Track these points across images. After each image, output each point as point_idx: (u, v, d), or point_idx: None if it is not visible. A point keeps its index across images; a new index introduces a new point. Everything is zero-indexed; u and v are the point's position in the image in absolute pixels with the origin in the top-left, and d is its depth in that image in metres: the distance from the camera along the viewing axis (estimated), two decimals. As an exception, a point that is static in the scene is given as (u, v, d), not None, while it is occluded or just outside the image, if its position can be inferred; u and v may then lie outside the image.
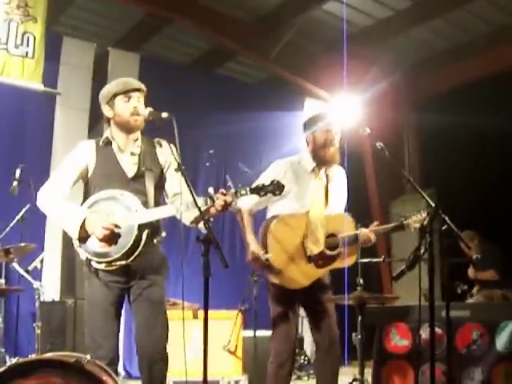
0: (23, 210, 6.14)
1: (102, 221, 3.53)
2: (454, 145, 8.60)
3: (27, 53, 7.23)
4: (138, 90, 3.81)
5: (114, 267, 3.59)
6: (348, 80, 8.91)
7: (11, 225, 6.11)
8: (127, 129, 3.78)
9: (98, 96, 3.90)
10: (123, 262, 3.57)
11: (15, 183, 6.00)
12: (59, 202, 3.66)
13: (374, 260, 5.76)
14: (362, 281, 4.49)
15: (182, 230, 3.59)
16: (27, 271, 5.93)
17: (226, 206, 3.56)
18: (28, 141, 7.70)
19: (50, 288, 7.15)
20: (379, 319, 5.01)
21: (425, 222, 3.63)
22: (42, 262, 6.26)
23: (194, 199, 3.46)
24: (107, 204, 3.62)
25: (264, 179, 4.30)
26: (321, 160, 4.43)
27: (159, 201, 3.82)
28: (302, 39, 9.14)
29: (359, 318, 4.51)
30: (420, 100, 10.08)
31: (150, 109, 3.73)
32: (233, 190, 3.56)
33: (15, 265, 5.74)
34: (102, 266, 3.60)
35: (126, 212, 3.59)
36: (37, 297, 5.82)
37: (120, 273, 3.64)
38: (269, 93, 10.02)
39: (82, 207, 3.64)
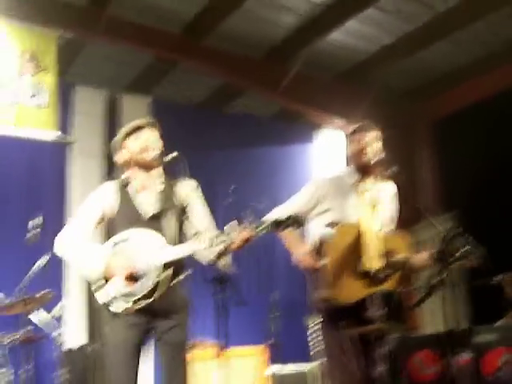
0: (44, 260, 6.14)
1: (125, 262, 3.54)
2: (473, 163, 8.49)
3: (41, 103, 7.34)
4: (147, 126, 3.85)
5: (138, 306, 3.56)
6: (359, 107, 8.95)
7: (30, 274, 6.12)
8: (144, 166, 3.80)
9: (111, 142, 3.95)
10: (149, 300, 3.54)
11: (36, 231, 6.01)
12: (81, 244, 3.67)
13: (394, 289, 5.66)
14: (382, 311, 4.36)
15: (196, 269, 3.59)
16: (46, 320, 5.93)
17: (247, 241, 3.55)
18: (43, 190, 7.79)
19: (75, 335, 7.16)
20: (404, 349, 4.93)
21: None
22: (62, 310, 6.27)
23: (217, 234, 3.47)
24: (127, 245, 3.63)
25: (301, 198, 4.34)
26: (360, 169, 4.34)
27: (181, 239, 3.82)
28: (309, 70, 9.16)
29: (382, 350, 4.39)
30: (433, 121, 10.02)
31: (158, 151, 3.78)
32: (254, 224, 3.55)
33: (32, 316, 5.74)
34: (124, 308, 3.56)
35: (148, 251, 3.58)
36: (55, 346, 5.81)
37: (142, 313, 3.61)
38: (281, 126, 10.04)
39: (104, 248, 3.64)
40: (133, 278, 3.54)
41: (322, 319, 4.25)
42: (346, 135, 4.57)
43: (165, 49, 8.25)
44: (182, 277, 3.69)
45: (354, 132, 4.42)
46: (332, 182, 4.41)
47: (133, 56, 8.63)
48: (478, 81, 9.08)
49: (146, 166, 3.80)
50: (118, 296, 3.57)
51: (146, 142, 3.80)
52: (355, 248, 4.13)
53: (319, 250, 4.15)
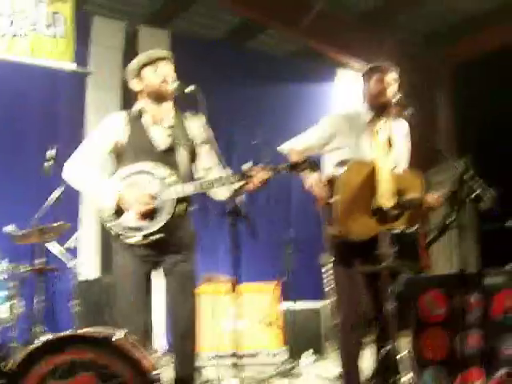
0: (59, 191, 6.17)
1: (139, 195, 3.51)
2: (491, 109, 8.39)
3: (58, 33, 7.25)
4: (165, 58, 3.79)
5: (148, 241, 3.57)
6: (381, 49, 8.79)
7: (46, 205, 6.15)
8: (159, 98, 3.76)
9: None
10: (159, 236, 3.55)
11: (49, 163, 6.02)
12: (90, 174, 3.66)
13: (408, 230, 5.65)
14: (395, 249, 4.35)
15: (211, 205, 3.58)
16: (63, 250, 5.99)
17: (264, 182, 3.53)
18: (60, 121, 7.73)
19: (88, 266, 7.24)
20: (414, 288, 4.94)
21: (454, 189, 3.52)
22: (77, 241, 6.33)
23: (228, 175, 3.45)
24: (141, 177, 3.60)
25: (314, 132, 4.35)
26: (376, 109, 4.34)
27: (191, 174, 3.81)
28: (332, 8, 8.98)
29: (392, 288, 4.40)
30: (454, 66, 9.86)
31: (177, 82, 3.72)
32: (271, 166, 3.52)
33: (49, 245, 5.79)
34: (134, 241, 3.57)
35: (161, 185, 3.57)
36: (73, 275, 5.87)
37: (152, 246, 3.62)
38: (300, 65, 9.90)
39: (115, 180, 3.61)
40: (147, 213, 3.53)
41: (334, 256, 4.27)
42: (363, 73, 4.50)
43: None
44: (191, 208, 3.70)
45: (373, 71, 4.38)
46: (346, 118, 4.41)
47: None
48: (502, 27, 8.88)
49: (160, 98, 3.76)
50: (130, 228, 3.57)
51: (164, 74, 3.74)
52: (368, 185, 4.14)
53: (331, 186, 4.15)
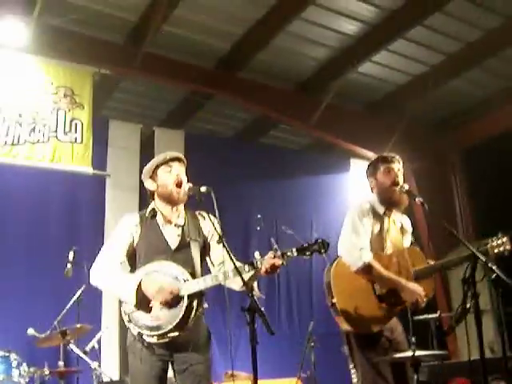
0: (79, 292, 6.24)
1: (160, 286, 3.58)
2: (506, 191, 8.44)
3: (76, 138, 7.50)
4: (179, 159, 3.91)
5: (166, 339, 3.60)
6: (390, 138, 8.96)
7: (67, 307, 6.21)
8: (171, 200, 3.85)
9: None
10: (176, 334, 3.59)
11: (69, 266, 6.12)
12: (113, 274, 3.73)
13: (429, 316, 5.64)
14: (414, 339, 4.31)
15: (227, 299, 3.61)
16: (85, 352, 6.01)
17: (275, 268, 3.59)
18: (80, 223, 7.94)
19: (109, 368, 7.20)
20: (440, 376, 4.88)
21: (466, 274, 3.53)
22: (99, 342, 6.35)
23: (235, 266, 3.50)
24: (157, 276, 3.66)
25: (355, 222, 4.31)
26: (389, 202, 4.36)
27: (204, 270, 3.88)
28: (341, 102, 9.24)
29: (415, 377, 4.34)
30: (464, 150, 10.01)
31: (189, 184, 3.81)
32: (279, 252, 3.58)
33: (72, 346, 5.81)
34: (154, 340, 3.61)
35: (174, 283, 3.63)
36: (95, 377, 5.86)
37: (167, 345, 3.65)
38: (314, 157, 10.11)
39: (135, 275, 3.69)
40: (170, 303, 3.59)
41: (353, 347, 4.24)
42: (369, 165, 4.56)
43: (199, 83, 8.39)
44: (200, 311, 3.73)
45: (380, 162, 4.43)
46: (371, 207, 4.40)
47: (167, 91, 8.82)
48: (508, 108, 9.07)
49: (172, 201, 3.85)
50: (148, 327, 3.61)
51: (177, 173, 3.85)
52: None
53: (328, 286, 4.21)
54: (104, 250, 3.89)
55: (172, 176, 3.84)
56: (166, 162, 3.89)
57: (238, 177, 8.88)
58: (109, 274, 3.75)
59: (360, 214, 4.35)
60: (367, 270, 4.16)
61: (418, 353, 3.86)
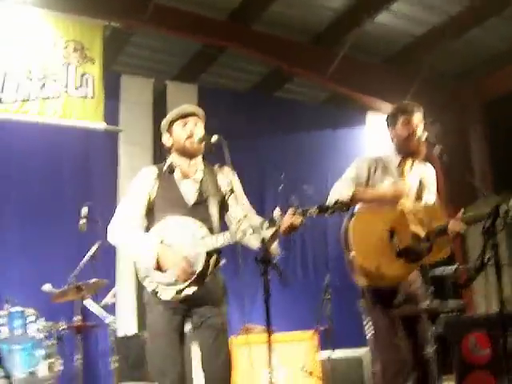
0: (95, 247, 6.22)
1: (178, 260, 3.56)
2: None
3: (87, 93, 7.41)
4: (194, 114, 3.85)
5: (181, 296, 3.60)
6: (408, 90, 8.79)
7: (83, 262, 6.20)
8: (186, 154, 3.82)
9: (159, 130, 3.97)
10: (192, 291, 3.58)
11: (83, 221, 6.09)
12: (130, 235, 3.71)
13: (447, 270, 5.56)
14: (431, 290, 4.24)
15: (240, 252, 3.58)
16: (100, 307, 6.00)
17: (294, 227, 3.52)
18: (94, 179, 7.89)
19: (125, 322, 7.23)
20: (456, 329, 4.83)
21: (487, 224, 3.43)
22: (114, 297, 6.35)
23: (254, 224, 3.44)
24: (174, 233, 3.64)
25: (348, 175, 4.27)
26: (406, 153, 4.28)
27: (222, 226, 3.82)
28: (357, 54, 9.06)
29: (433, 329, 4.27)
30: (484, 103, 9.83)
31: (201, 133, 3.78)
32: (300, 210, 3.49)
33: (87, 301, 5.81)
34: (170, 297, 3.61)
35: (192, 239, 3.61)
36: (111, 332, 5.86)
37: (184, 301, 3.64)
38: (330, 111, 9.97)
39: (152, 238, 3.66)
40: (186, 278, 3.57)
41: (370, 302, 4.18)
42: (389, 115, 4.46)
43: (212, 36, 8.25)
44: (221, 263, 3.70)
45: (398, 112, 4.32)
46: (376, 161, 4.33)
47: (179, 44, 8.66)
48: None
49: (188, 154, 3.82)
50: (164, 284, 3.61)
51: (191, 129, 3.80)
52: (382, 230, 4.07)
53: (346, 241, 4.11)
54: (121, 207, 3.86)
55: (186, 130, 3.81)
56: (180, 117, 3.85)
57: (253, 131, 8.79)
58: (126, 232, 3.72)
59: (356, 165, 4.34)
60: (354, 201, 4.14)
61: (436, 302, 3.82)
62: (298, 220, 3.49)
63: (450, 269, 5.61)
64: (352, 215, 4.18)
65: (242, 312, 6.64)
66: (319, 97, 10.43)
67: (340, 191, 4.17)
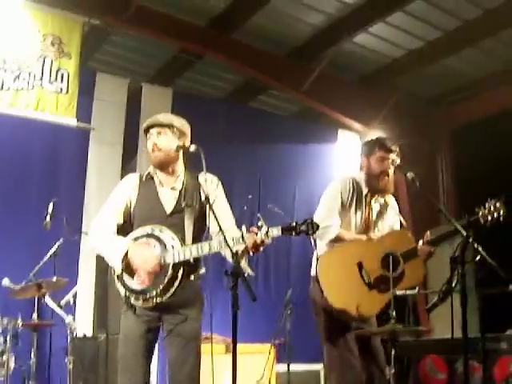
0: (56, 245, 6.17)
1: (146, 256, 3.56)
2: (490, 172, 8.44)
3: (61, 89, 7.34)
4: (155, 125, 3.85)
5: (150, 304, 3.61)
6: (380, 111, 8.90)
7: (44, 259, 6.13)
8: (156, 165, 3.83)
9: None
10: (159, 300, 3.58)
11: (48, 218, 6.02)
12: (104, 237, 3.73)
13: (408, 292, 5.61)
14: (394, 313, 4.25)
15: (210, 264, 3.58)
16: (59, 306, 5.95)
17: (258, 246, 3.51)
18: (61, 175, 7.77)
19: (83, 323, 7.14)
20: (414, 352, 4.89)
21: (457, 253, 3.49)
22: (74, 296, 6.29)
23: (225, 239, 3.43)
24: (148, 240, 3.64)
25: (335, 204, 4.26)
26: (374, 189, 4.33)
27: (199, 237, 3.80)
28: (333, 71, 9.14)
29: (393, 352, 4.30)
30: (454, 128, 9.98)
31: (177, 142, 3.77)
32: (264, 230, 3.48)
33: (47, 299, 5.75)
34: (140, 303, 3.63)
35: (162, 249, 3.60)
36: (69, 332, 5.80)
37: (155, 308, 3.64)
38: (302, 125, 9.99)
39: (126, 242, 3.67)
40: (153, 274, 3.56)
41: (326, 321, 4.20)
42: (366, 143, 4.50)
43: (190, 41, 8.25)
44: (192, 277, 3.69)
45: (376, 146, 4.35)
46: (355, 184, 4.34)
47: (157, 47, 8.64)
48: (503, 90, 9.02)
49: (155, 166, 3.84)
50: (134, 291, 3.62)
51: (153, 142, 3.81)
52: (353, 264, 4.09)
53: (319, 284, 4.11)
54: (100, 213, 3.87)
55: (150, 143, 3.82)
56: (146, 130, 3.87)
57: (224, 139, 8.77)
58: (101, 238, 3.74)
59: (340, 188, 4.32)
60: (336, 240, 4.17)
61: (395, 325, 3.85)
62: (259, 240, 3.49)
63: (411, 292, 5.67)
64: (317, 260, 4.19)
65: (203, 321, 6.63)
66: (292, 110, 10.48)
67: (330, 229, 4.18)
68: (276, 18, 8.09)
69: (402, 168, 4.23)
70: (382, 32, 8.37)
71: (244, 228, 3.53)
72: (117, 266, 3.61)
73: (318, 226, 3.49)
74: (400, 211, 4.54)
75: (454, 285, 3.61)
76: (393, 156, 4.30)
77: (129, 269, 3.60)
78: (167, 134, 3.81)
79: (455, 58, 8.82)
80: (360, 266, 4.09)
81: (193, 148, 3.66)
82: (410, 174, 4.08)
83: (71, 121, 7.41)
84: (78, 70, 7.47)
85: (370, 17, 7.97)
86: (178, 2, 7.72)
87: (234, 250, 3.42)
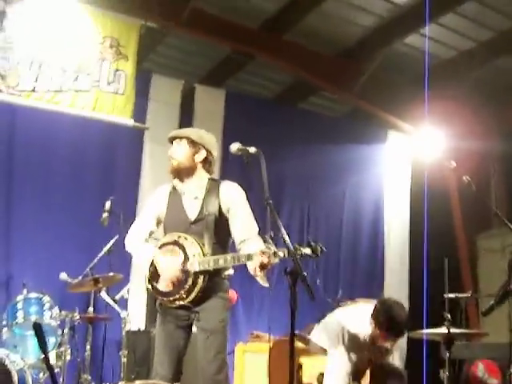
0: (111, 242, 6.33)
1: (170, 264, 3.86)
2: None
3: (118, 90, 7.53)
4: (175, 138, 4.16)
5: (175, 305, 3.90)
6: (432, 113, 8.85)
7: (100, 255, 6.31)
8: (169, 172, 4.12)
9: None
10: (182, 302, 3.86)
11: (105, 215, 6.19)
12: (136, 244, 4.10)
13: (461, 295, 5.62)
14: (449, 316, 4.27)
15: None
16: (114, 300, 6.12)
17: (265, 266, 3.63)
18: (117, 174, 8.03)
19: (136, 317, 7.32)
20: (467, 356, 4.89)
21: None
22: (128, 292, 6.46)
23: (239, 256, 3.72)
24: (173, 247, 3.91)
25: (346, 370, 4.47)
26: (374, 355, 4.50)
27: (222, 244, 3.99)
28: (384, 72, 9.14)
29: (447, 355, 4.31)
30: (507, 130, 9.86)
31: (238, 145, 3.78)
32: (272, 250, 3.57)
33: (103, 294, 5.93)
34: (167, 303, 3.94)
35: (184, 257, 3.85)
36: (123, 326, 5.96)
37: (180, 308, 3.93)
38: (352, 126, 10.02)
39: (151, 247, 4.03)
40: (176, 281, 3.83)
41: None
42: (378, 313, 4.60)
43: (243, 42, 8.36)
44: (216, 279, 3.90)
45: (385, 330, 4.40)
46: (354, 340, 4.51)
47: (210, 48, 8.76)
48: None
49: (176, 175, 4.08)
50: (160, 293, 3.93)
51: (170, 153, 4.12)
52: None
53: None
54: (136, 220, 4.24)
55: (168, 154, 4.12)
56: (169, 142, 4.19)
57: (275, 139, 8.84)
58: (134, 244, 4.10)
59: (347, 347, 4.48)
60: None
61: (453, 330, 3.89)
62: (266, 261, 3.59)
63: (463, 295, 5.69)
64: None
65: (249, 319, 6.75)
66: (341, 111, 10.50)
67: None
68: (328, 19, 8.14)
69: (456, 170, 4.27)
70: (433, 33, 8.33)
71: (268, 236, 3.57)
72: (145, 271, 3.95)
73: (322, 250, 3.52)
74: (452, 214, 4.58)
75: (511, 288, 3.63)
76: (396, 340, 4.42)
77: (155, 273, 3.89)
78: (182, 145, 4.07)
79: (507, 58, 8.72)
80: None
81: (253, 150, 3.71)
82: (466, 177, 4.12)
83: (128, 121, 7.60)
84: (134, 71, 7.65)
85: (420, 18, 7.90)
86: (233, 4, 7.85)
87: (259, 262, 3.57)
